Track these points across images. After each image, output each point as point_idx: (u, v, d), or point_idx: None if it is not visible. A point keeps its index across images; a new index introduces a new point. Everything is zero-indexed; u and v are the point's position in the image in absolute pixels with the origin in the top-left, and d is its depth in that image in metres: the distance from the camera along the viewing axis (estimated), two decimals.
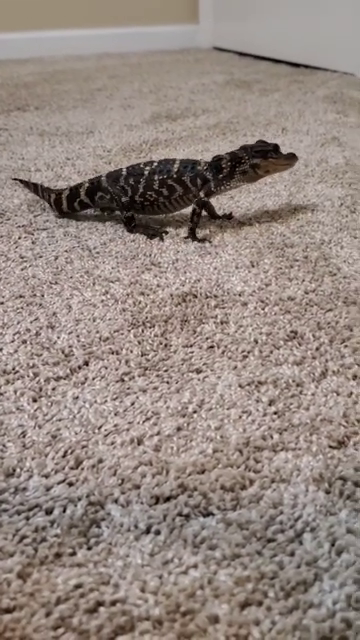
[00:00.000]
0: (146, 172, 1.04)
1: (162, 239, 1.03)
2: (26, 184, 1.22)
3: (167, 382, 0.70)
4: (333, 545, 0.50)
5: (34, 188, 1.18)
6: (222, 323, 0.81)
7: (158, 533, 0.52)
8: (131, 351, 0.75)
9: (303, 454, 0.60)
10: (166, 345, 0.77)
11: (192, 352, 0.75)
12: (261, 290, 0.89)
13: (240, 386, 0.69)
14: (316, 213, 1.13)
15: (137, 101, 2.00)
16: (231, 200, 1.20)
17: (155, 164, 1.04)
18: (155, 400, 0.67)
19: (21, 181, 1.24)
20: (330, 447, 0.60)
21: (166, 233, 1.06)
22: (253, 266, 0.95)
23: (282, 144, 1.52)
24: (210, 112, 1.84)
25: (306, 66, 2.46)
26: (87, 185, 1.08)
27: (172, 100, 2.00)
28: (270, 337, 0.78)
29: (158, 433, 0.62)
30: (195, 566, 0.49)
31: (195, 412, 0.65)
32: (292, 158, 1.05)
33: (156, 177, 1.03)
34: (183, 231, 1.07)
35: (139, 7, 3.03)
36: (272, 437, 0.62)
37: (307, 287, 0.89)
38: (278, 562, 0.49)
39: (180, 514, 0.53)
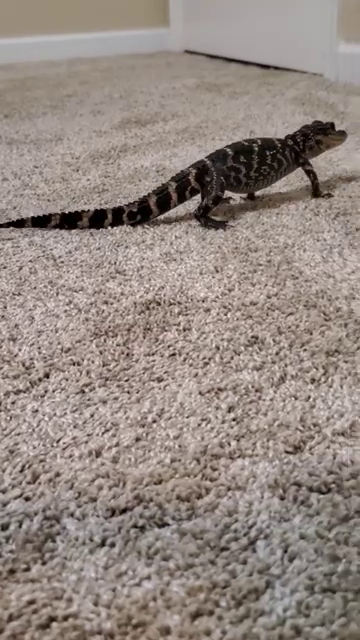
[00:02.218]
0: (256, 148, 1.12)
1: (225, 229, 1.09)
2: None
3: (128, 392, 0.70)
4: (286, 552, 0.51)
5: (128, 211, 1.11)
6: (185, 330, 0.82)
7: (113, 545, 0.52)
8: (92, 361, 0.75)
9: (260, 460, 0.60)
10: (128, 354, 0.77)
11: (154, 361, 0.76)
12: (224, 296, 0.89)
13: (200, 393, 0.70)
14: (281, 217, 1.14)
15: (107, 107, 2.00)
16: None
17: (251, 143, 1.13)
18: (115, 411, 0.67)
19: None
20: (286, 452, 0.61)
21: (227, 223, 1.11)
22: (217, 271, 0.96)
23: None
24: (180, 117, 1.84)
25: (276, 67, 2.47)
26: (194, 171, 1.11)
27: (142, 105, 2.00)
28: (231, 343, 0.78)
29: (117, 444, 0.63)
30: (148, 577, 0.49)
31: (154, 422, 0.66)
32: (344, 134, 1.22)
33: (267, 152, 1.13)
34: (149, 237, 1.07)
35: (110, 11, 3.03)
36: (229, 444, 0.62)
37: (269, 291, 0.89)
38: (231, 571, 0.49)
39: (135, 526, 0.54)
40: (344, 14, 2.14)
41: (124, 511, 0.55)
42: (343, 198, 1.19)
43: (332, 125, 1.21)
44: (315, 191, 1.20)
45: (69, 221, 1.10)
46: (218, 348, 0.78)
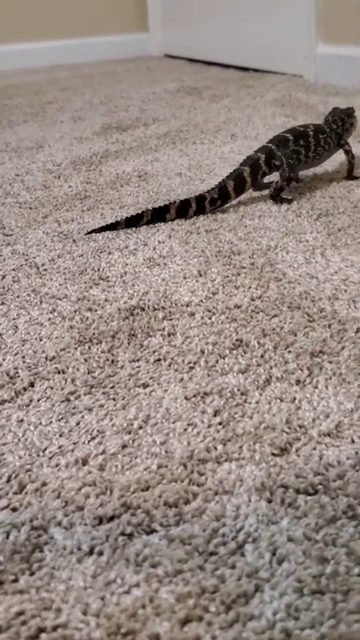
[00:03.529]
0: (310, 132, 1.22)
1: (290, 202, 1.20)
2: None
3: (113, 399, 0.70)
4: (274, 555, 0.51)
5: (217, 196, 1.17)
6: (169, 335, 0.81)
7: (101, 554, 0.52)
8: (77, 369, 0.75)
9: (246, 464, 0.60)
10: (113, 361, 0.77)
11: (139, 367, 0.76)
12: (208, 299, 0.89)
13: (186, 398, 0.70)
14: (263, 219, 1.14)
15: (88, 113, 2.00)
16: None
17: (305, 128, 1.23)
18: (101, 418, 0.67)
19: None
20: (273, 455, 0.61)
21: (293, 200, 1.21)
22: (201, 275, 0.96)
23: (231, 150, 1.53)
24: (160, 121, 1.85)
25: (255, 70, 2.48)
26: (263, 156, 1.18)
27: (123, 110, 2.00)
28: (216, 347, 0.78)
29: (103, 452, 0.63)
30: (137, 585, 0.49)
31: (141, 428, 0.66)
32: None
33: (320, 136, 1.23)
34: (132, 242, 1.07)
35: (89, 18, 3.03)
36: (216, 448, 0.62)
37: (253, 294, 0.90)
38: (219, 576, 0.49)
39: (123, 533, 0.54)
40: (322, 15, 2.15)
41: (112, 519, 0.55)
42: (325, 199, 1.20)
43: (353, 109, 1.33)
44: (350, 172, 1.29)
45: (159, 215, 1.14)
46: (203, 352, 0.78)
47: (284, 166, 1.19)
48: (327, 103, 1.86)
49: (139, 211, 1.14)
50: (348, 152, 1.29)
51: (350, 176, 1.29)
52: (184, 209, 1.14)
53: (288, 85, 2.17)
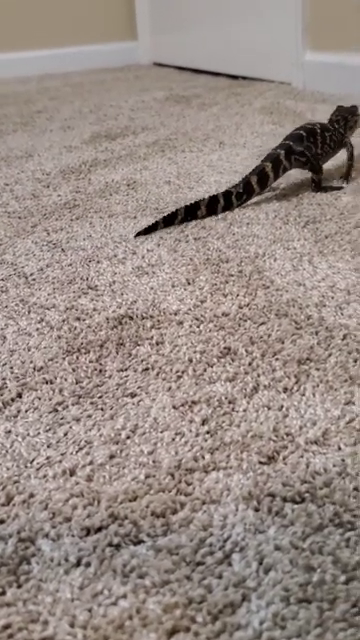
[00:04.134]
0: (318, 130, 1.26)
1: (340, 189, 1.26)
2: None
3: (101, 409, 0.70)
4: (261, 564, 0.51)
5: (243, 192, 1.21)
6: (157, 344, 0.82)
7: (88, 565, 0.52)
8: (65, 379, 0.75)
9: (234, 473, 0.60)
10: (101, 371, 0.77)
11: (127, 376, 0.76)
12: (196, 307, 0.90)
13: (174, 407, 0.70)
14: (251, 226, 1.14)
15: (77, 122, 2.00)
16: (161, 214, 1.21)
17: (313, 125, 1.27)
18: (89, 428, 0.67)
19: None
20: (260, 463, 0.61)
21: (342, 186, 1.27)
22: (189, 283, 0.96)
23: (219, 158, 1.54)
24: (149, 129, 1.85)
25: (244, 78, 2.49)
26: (282, 152, 1.22)
27: (112, 119, 2.01)
28: (204, 355, 0.79)
29: (91, 463, 0.63)
30: (124, 596, 0.49)
31: (128, 438, 0.66)
32: None
33: (326, 134, 1.27)
34: (121, 251, 1.07)
35: (78, 26, 3.04)
36: (204, 457, 0.62)
37: (241, 302, 0.90)
38: (206, 585, 0.49)
39: (110, 544, 0.53)
40: (310, 23, 2.16)
41: (99, 530, 0.55)
42: (312, 206, 1.21)
43: (357, 107, 1.37)
44: (347, 173, 1.33)
45: (191, 212, 1.17)
46: (191, 361, 0.78)
47: (311, 160, 1.24)
48: (315, 110, 1.87)
49: (173, 210, 1.17)
50: (350, 153, 1.33)
51: (346, 177, 1.32)
52: (213, 205, 1.19)
53: (276, 93, 2.18)
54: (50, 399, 0.72)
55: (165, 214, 1.17)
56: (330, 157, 1.31)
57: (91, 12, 3.05)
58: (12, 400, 0.72)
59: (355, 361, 0.75)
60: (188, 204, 1.17)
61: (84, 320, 0.87)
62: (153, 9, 3.02)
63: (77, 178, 1.46)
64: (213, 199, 1.19)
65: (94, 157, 1.61)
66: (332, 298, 0.89)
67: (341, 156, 1.36)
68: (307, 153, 1.23)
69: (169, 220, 1.16)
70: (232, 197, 1.20)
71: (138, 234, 1.14)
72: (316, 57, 2.17)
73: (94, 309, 0.90)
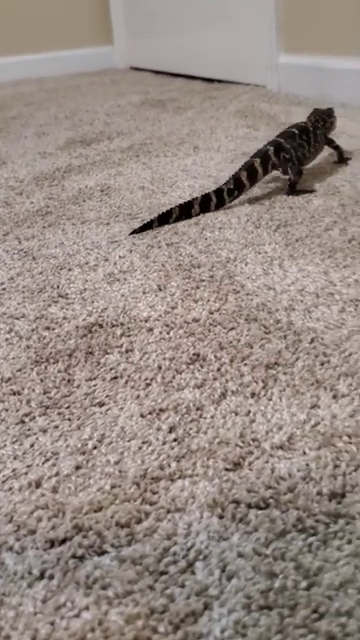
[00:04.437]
0: (310, 128, 1.30)
1: (314, 193, 1.26)
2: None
3: (68, 419, 0.70)
4: (224, 571, 0.51)
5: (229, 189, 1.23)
6: (127, 352, 0.82)
7: (52, 578, 0.52)
8: (33, 390, 0.75)
9: (199, 480, 0.60)
10: (69, 380, 0.77)
11: (95, 385, 0.76)
12: (167, 314, 0.90)
13: (142, 416, 0.70)
14: (223, 231, 1.15)
15: (52, 127, 2.00)
16: (142, 223, 1.21)
17: (306, 124, 1.31)
18: (55, 439, 0.67)
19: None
20: (226, 470, 0.61)
21: (314, 190, 1.28)
22: (160, 290, 0.96)
23: (193, 163, 1.54)
24: (124, 134, 1.85)
25: (220, 81, 2.50)
26: (272, 148, 1.24)
27: (87, 124, 2.01)
28: (173, 362, 0.79)
29: (57, 474, 0.62)
30: (87, 608, 0.49)
31: (95, 448, 0.66)
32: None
33: (317, 132, 1.31)
34: (92, 258, 1.07)
35: (54, 32, 3.03)
36: (170, 466, 0.62)
37: (212, 307, 0.90)
38: (169, 595, 0.49)
39: (74, 556, 0.53)
40: (283, 25, 2.17)
41: (63, 541, 0.55)
42: (284, 209, 1.21)
43: (332, 110, 1.42)
44: (340, 155, 1.40)
45: (185, 211, 1.19)
46: (160, 368, 0.78)
47: (294, 160, 1.25)
48: (289, 113, 1.88)
49: (169, 208, 1.19)
50: (336, 147, 1.39)
51: (341, 159, 1.40)
52: (206, 203, 1.21)
53: (251, 96, 2.19)
54: (17, 410, 0.72)
55: (160, 212, 1.18)
56: (317, 155, 1.35)
57: (66, 17, 3.05)
58: None
59: (322, 364, 0.75)
60: (182, 203, 1.20)
61: (53, 329, 0.87)
62: (128, 13, 3.02)
63: (50, 185, 1.46)
64: (206, 197, 1.20)
65: (68, 163, 1.61)
66: (301, 302, 0.89)
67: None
68: (293, 153, 1.25)
69: (164, 219, 1.18)
70: (224, 194, 1.22)
71: (133, 232, 1.16)
72: (290, 59, 2.18)
73: (64, 318, 0.90)
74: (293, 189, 1.26)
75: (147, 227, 1.17)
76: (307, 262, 1.00)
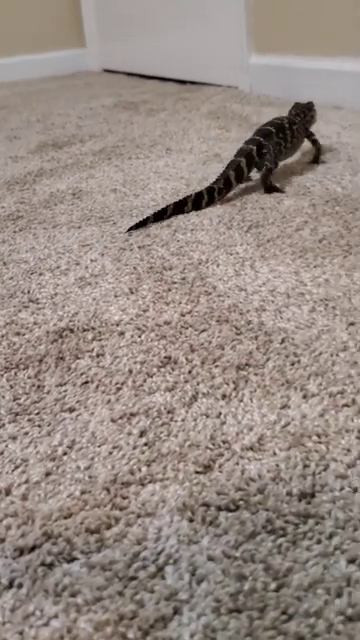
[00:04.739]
0: (286, 124, 1.34)
1: (283, 192, 1.29)
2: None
3: (38, 425, 0.70)
4: (194, 575, 0.51)
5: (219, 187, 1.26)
6: (98, 356, 0.81)
7: (20, 586, 0.51)
8: (3, 397, 0.74)
9: (170, 484, 0.60)
10: (39, 386, 0.76)
11: (65, 391, 0.75)
12: (139, 317, 0.89)
13: (112, 420, 0.70)
14: (195, 233, 1.15)
15: (24, 131, 1.99)
16: (114, 226, 1.20)
17: (282, 121, 1.34)
18: (25, 446, 0.67)
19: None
20: (196, 473, 0.61)
21: (284, 191, 1.30)
22: (132, 293, 0.96)
23: (166, 164, 1.54)
24: (97, 137, 1.85)
25: (193, 82, 2.50)
26: (254, 147, 1.29)
27: (59, 127, 2.00)
28: (144, 365, 0.78)
29: (26, 481, 0.62)
30: (56, 616, 0.49)
31: (65, 454, 0.65)
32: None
33: (294, 127, 1.35)
34: (64, 262, 1.07)
35: (26, 35, 3.02)
36: (140, 470, 0.62)
37: (183, 309, 0.90)
38: (138, 601, 0.49)
39: (43, 563, 0.53)
40: (254, 26, 2.18)
41: (32, 549, 0.54)
42: (255, 210, 1.21)
43: (312, 103, 1.47)
44: (317, 157, 1.43)
45: (179, 208, 1.22)
46: (131, 372, 0.77)
47: (268, 157, 1.29)
48: (261, 114, 1.89)
49: (163, 207, 1.22)
50: (315, 141, 1.42)
51: (316, 160, 1.43)
52: (199, 201, 1.24)
53: (223, 97, 2.19)
54: None
55: (156, 210, 1.21)
56: (297, 149, 1.39)
57: (39, 21, 3.03)
58: None
59: (292, 364, 0.75)
60: (177, 200, 1.23)
61: (24, 335, 0.87)
62: (100, 16, 3.02)
63: (22, 189, 1.45)
64: (198, 195, 1.24)
65: (40, 167, 1.60)
66: (272, 302, 0.89)
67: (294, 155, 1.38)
68: (272, 149, 1.29)
69: (159, 216, 1.20)
70: (214, 193, 1.25)
71: (130, 229, 1.18)
72: (261, 60, 2.18)
73: (34, 323, 0.90)
74: (266, 178, 1.29)
75: (143, 224, 1.19)
76: (278, 262, 1.01)
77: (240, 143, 1.35)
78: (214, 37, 2.36)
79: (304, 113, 1.41)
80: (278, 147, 1.31)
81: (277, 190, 1.28)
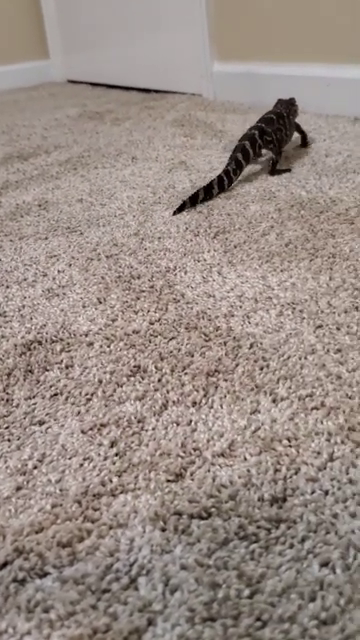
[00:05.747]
0: (284, 113, 1.46)
1: (289, 171, 1.41)
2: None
3: (8, 440, 0.69)
4: (167, 585, 0.50)
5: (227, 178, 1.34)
6: (67, 367, 0.81)
7: None
8: None
9: (142, 494, 0.60)
10: (8, 400, 0.75)
11: (35, 403, 0.74)
12: (107, 327, 0.89)
13: (82, 432, 0.69)
14: (163, 240, 1.15)
15: None
16: (81, 236, 1.20)
17: (280, 111, 1.46)
18: None
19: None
20: (168, 481, 0.61)
21: (291, 168, 1.43)
22: (100, 303, 0.96)
23: (132, 173, 1.54)
24: (62, 148, 1.84)
25: (157, 91, 2.51)
26: (257, 132, 1.39)
27: (24, 139, 1.99)
28: (114, 375, 0.78)
29: None
30: (29, 633, 0.48)
31: (35, 468, 0.64)
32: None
33: (290, 117, 1.48)
34: (31, 274, 1.06)
35: None
36: (111, 481, 0.62)
37: (152, 317, 0.90)
38: (112, 613, 0.49)
39: (15, 580, 0.52)
40: (215, 34, 2.20)
41: (4, 565, 0.54)
42: (222, 216, 1.22)
43: (294, 99, 1.58)
44: (304, 139, 1.57)
45: (208, 192, 1.30)
46: (101, 382, 0.77)
47: (274, 141, 1.40)
48: (225, 120, 1.90)
49: (195, 190, 1.31)
50: (302, 131, 1.57)
51: (305, 144, 1.57)
52: (222, 183, 1.32)
53: (188, 105, 2.20)
54: None
55: (189, 195, 1.28)
56: (290, 139, 1.50)
57: (1, 33, 3.02)
58: None
59: (261, 369, 0.76)
60: (205, 185, 1.30)
61: None
62: (63, 27, 3.01)
63: None
64: (220, 178, 1.32)
65: (5, 179, 1.59)
66: (240, 307, 0.90)
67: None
68: (274, 135, 1.40)
69: (193, 200, 1.28)
70: (231, 174, 1.34)
71: (174, 213, 1.25)
72: (224, 67, 2.20)
73: (2, 336, 0.89)
74: (274, 168, 1.40)
75: (182, 208, 1.26)
76: (245, 268, 1.01)
77: (205, 150, 1.36)
78: (177, 46, 2.37)
79: (288, 109, 1.51)
80: (279, 133, 1.41)
81: (285, 171, 1.41)
